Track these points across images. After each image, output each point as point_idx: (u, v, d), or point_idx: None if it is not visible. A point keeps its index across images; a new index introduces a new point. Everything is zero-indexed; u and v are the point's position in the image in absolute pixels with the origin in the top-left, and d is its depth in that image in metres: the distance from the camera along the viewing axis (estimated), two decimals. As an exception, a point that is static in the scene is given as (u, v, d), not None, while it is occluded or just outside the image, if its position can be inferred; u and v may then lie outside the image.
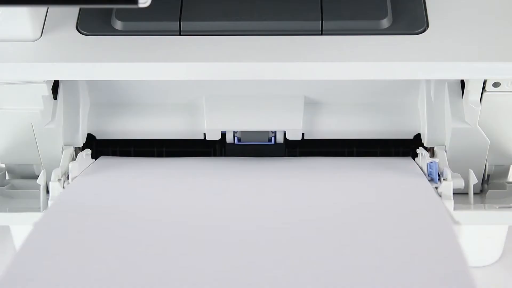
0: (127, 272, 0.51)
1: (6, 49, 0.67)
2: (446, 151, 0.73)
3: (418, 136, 0.75)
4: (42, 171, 0.71)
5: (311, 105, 0.75)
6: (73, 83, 0.74)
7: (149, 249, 0.54)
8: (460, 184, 0.68)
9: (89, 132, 0.76)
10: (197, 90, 0.75)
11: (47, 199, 0.69)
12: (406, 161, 0.72)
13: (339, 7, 0.67)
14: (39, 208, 0.71)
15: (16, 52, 0.67)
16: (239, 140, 0.76)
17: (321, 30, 0.68)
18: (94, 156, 0.75)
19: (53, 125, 0.72)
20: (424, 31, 0.68)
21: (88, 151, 0.73)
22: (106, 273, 0.51)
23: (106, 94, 0.76)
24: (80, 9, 0.71)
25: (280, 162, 0.74)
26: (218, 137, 0.75)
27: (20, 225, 0.76)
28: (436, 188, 0.67)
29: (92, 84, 0.76)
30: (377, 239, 0.55)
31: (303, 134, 0.75)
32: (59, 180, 0.68)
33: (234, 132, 0.75)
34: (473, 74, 0.67)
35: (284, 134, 0.75)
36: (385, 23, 0.69)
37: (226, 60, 0.67)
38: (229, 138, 0.76)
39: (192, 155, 0.77)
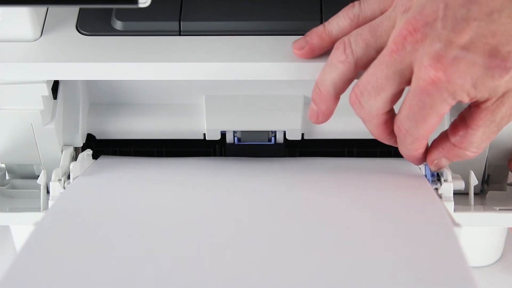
0: (129, 272, 0.51)
1: (6, 49, 0.67)
2: (446, 152, 0.73)
3: (418, 136, 0.75)
4: (42, 171, 0.71)
5: (311, 105, 0.75)
6: (73, 83, 0.74)
7: (150, 250, 0.54)
8: (461, 185, 0.68)
9: (89, 132, 0.76)
10: (197, 90, 0.75)
11: (48, 199, 0.69)
12: (406, 162, 0.72)
13: (339, 7, 0.67)
14: (39, 208, 0.71)
15: (16, 52, 0.67)
16: (239, 140, 0.76)
17: (321, 31, 0.68)
18: (94, 156, 0.75)
19: (53, 125, 0.72)
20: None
21: (89, 152, 0.73)
22: (107, 274, 0.51)
23: (106, 94, 0.76)
24: (80, 9, 0.70)
25: (280, 162, 0.74)
26: (218, 137, 0.75)
27: (20, 225, 0.76)
28: (436, 189, 0.67)
29: (92, 84, 0.75)
30: (377, 240, 0.55)
31: (303, 134, 0.75)
32: (60, 180, 0.68)
33: (234, 132, 0.75)
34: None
35: (284, 134, 0.75)
36: (384, 23, 0.68)
37: (226, 60, 0.67)
38: (229, 138, 0.76)
39: (192, 155, 0.77)
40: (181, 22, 0.69)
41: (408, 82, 0.59)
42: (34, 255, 0.53)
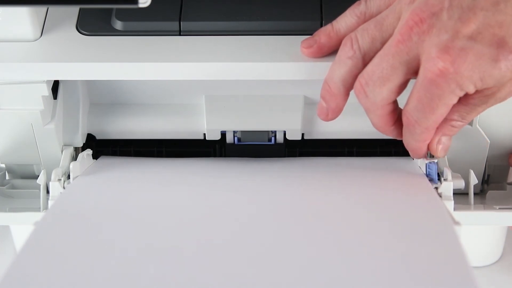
0: (129, 272, 0.51)
1: (6, 49, 0.67)
2: (446, 151, 0.73)
3: (418, 136, 0.75)
4: (42, 171, 0.71)
5: (311, 105, 0.75)
6: (73, 83, 0.74)
7: (150, 250, 0.54)
8: (461, 184, 0.68)
9: (89, 132, 0.76)
10: (197, 90, 0.75)
11: (47, 199, 0.69)
12: (406, 161, 0.72)
13: (339, 7, 0.67)
14: (39, 208, 0.71)
15: (16, 52, 0.67)
16: (239, 140, 0.76)
17: (321, 30, 0.69)
18: (94, 156, 0.75)
19: (53, 125, 0.72)
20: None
21: (89, 151, 0.73)
22: (107, 274, 0.51)
23: (106, 94, 0.76)
24: (80, 9, 0.71)
25: (280, 162, 0.74)
26: (218, 137, 0.75)
27: (20, 225, 0.76)
28: (436, 188, 0.67)
29: (92, 84, 0.76)
30: (377, 239, 0.55)
31: (303, 134, 0.75)
32: (59, 180, 0.68)
33: (234, 132, 0.75)
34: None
35: (284, 134, 0.75)
36: (384, 23, 0.68)
37: (226, 60, 0.67)
38: (229, 138, 0.76)
39: (192, 155, 0.77)
40: (181, 22, 0.69)
41: (414, 73, 0.59)
42: (34, 255, 0.53)
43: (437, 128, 0.63)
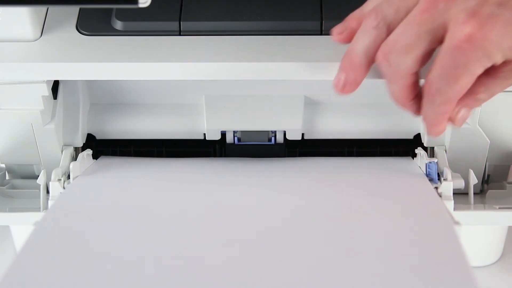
0: (128, 272, 0.51)
1: (6, 49, 0.67)
2: (446, 151, 0.73)
3: (418, 136, 0.75)
4: (42, 171, 0.71)
5: (311, 105, 0.75)
6: (73, 83, 0.74)
7: (150, 250, 0.54)
8: (460, 184, 0.68)
9: (89, 132, 0.76)
10: (197, 90, 0.75)
11: (47, 199, 0.69)
12: (406, 161, 0.72)
13: (339, 7, 0.67)
14: (39, 208, 0.71)
15: (16, 52, 0.67)
16: (239, 140, 0.76)
17: (321, 30, 0.68)
18: (94, 156, 0.75)
19: (53, 125, 0.72)
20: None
21: (89, 151, 0.73)
22: (107, 274, 0.51)
23: (106, 94, 0.76)
24: (80, 9, 0.71)
25: (280, 162, 0.74)
26: (218, 137, 0.75)
27: (20, 225, 0.76)
28: (436, 188, 0.67)
29: (92, 84, 0.76)
30: (377, 239, 0.55)
31: (303, 134, 0.75)
32: (59, 180, 0.68)
33: (234, 132, 0.75)
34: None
35: (284, 134, 0.75)
36: (384, 23, 0.68)
37: (226, 60, 0.67)
38: (229, 138, 0.76)
39: (192, 155, 0.77)
40: (181, 22, 0.69)
41: (440, 42, 0.57)
42: (34, 255, 0.53)
43: (460, 99, 0.60)
